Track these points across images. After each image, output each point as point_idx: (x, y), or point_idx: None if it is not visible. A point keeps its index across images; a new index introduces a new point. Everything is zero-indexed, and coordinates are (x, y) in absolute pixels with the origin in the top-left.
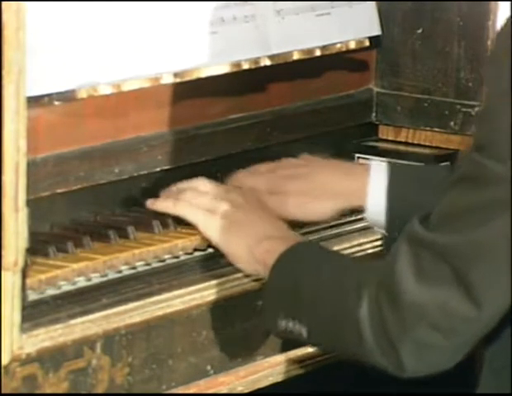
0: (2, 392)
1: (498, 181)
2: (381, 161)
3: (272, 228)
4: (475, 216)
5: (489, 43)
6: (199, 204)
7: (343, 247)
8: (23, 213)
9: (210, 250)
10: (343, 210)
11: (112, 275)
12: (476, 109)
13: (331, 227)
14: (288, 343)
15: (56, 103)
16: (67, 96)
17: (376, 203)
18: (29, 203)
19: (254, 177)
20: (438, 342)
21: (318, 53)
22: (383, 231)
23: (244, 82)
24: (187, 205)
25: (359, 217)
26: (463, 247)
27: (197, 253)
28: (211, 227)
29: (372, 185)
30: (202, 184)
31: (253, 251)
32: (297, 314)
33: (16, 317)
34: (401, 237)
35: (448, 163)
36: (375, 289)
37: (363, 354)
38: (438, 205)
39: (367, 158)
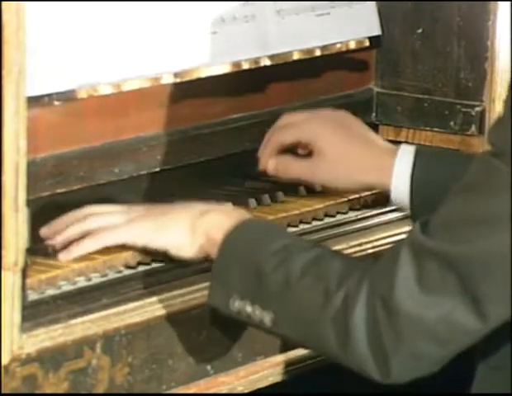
0: (2, 392)
1: None
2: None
3: (205, 205)
4: (486, 225)
5: (489, 43)
6: (114, 222)
7: (343, 247)
8: (23, 213)
9: None
10: (371, 186)
11: (112, 275)
12: (477, 109)
13: (331, 227)
14: (288, 343)
15: (56, 103)
16: (67, 96)
17: (400, 183)
18: (29, 203)
19: (291, 166)
20: (432, 352)
21: (318, 53)
22: (409, 213)
23: (244, 82)
24: (102, 233)
25: (359, 217)
26: (474, 257)
27: None
28: (138, 234)
29: (398, 165)
30: (97, 209)
31: (193, 231)
32: (259, 299)
33: (16, 317)
34: (400, 246)
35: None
36: (371, 297)
37: (348, 357)
38: (442, 211)
39: None
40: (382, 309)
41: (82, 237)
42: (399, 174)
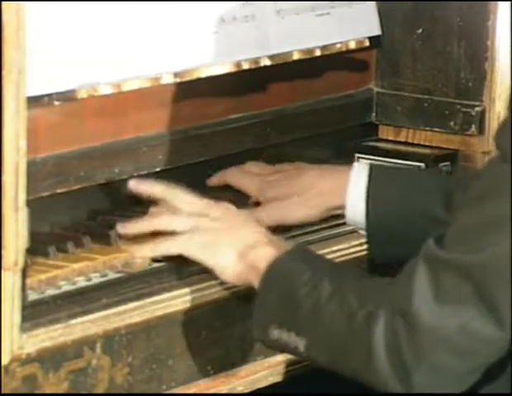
0: (2, 392)
1: None
2: (384, 162)
3: (259, 234)
4: (501, 230)
5: (489, 43)
6: (173, 229)
7: (343, 247)
8: (23, 213)
9: None
10: (328, 210)
11: (112, 275)
12: (477, 109)
13: (331, 227)
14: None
15: (56, 103)
16: (67, 96)
17: (355, 203)
18: (29, 203)
19: (244, 178)
20: (454, 366)
21: (318, 53)
22: (363, 231)
23: (244, 82)
24: (164, 242)
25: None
26: (488, 264)
27: None
28: (193, 249)
29: (351, 184)
30: (177, 199)
31: (242, 259)
32: (294, 326)
33: (16, 317)
34: (416, 260)
35: (446, 169)
36: (390, 314)
37: (371, 376)
38: (455, 223)
39: (367, 158)
40: (401, 324)
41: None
42: (353, 192)
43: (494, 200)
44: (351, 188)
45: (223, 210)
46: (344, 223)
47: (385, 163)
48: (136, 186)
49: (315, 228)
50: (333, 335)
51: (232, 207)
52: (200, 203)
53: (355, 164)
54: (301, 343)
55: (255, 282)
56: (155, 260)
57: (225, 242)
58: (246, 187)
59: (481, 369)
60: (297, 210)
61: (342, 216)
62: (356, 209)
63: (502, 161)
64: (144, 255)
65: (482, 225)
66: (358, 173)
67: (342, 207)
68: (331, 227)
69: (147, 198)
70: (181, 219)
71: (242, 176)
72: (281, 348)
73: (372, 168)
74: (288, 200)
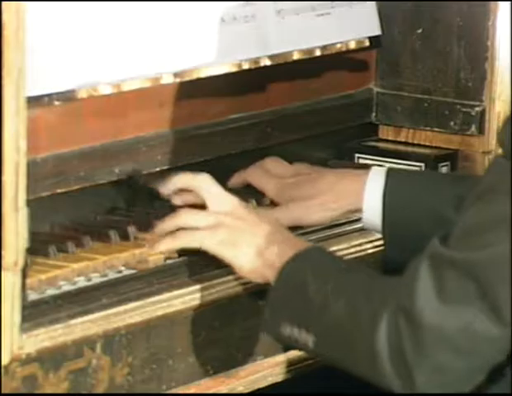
0: (2, 392)
1: None
2: (383, 162)
3: (278, 233)
4: (505, 228)
5: (489, 43)
6: (196, 225)
7: (343, 247)
8: (23, 213)
9: None
10: (345, 213)
11: (112, 275)
12: (476, 109)
13: (330, 227)
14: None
15: (56, 103)
16: (67, 96)
17: (372, 206)
18: (29, 203)
19: (264, 179)
20: (456, 365)
21: (318, 53)
22: (380, 234)
23: (244, 82)
24: (184, 234)
25: (359, 217)
26: (491, 263)
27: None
28: (213, 244)
29: (368, 188)
30: (207, 193)
31: (261, 256)
32: (305, 322)
33: (16, 317)
34: (420, 259)
35: (446, 169)
36: (394, 312)
37: (375, 375)
38: (459, 222)
39: (367, 158)
40: (404, 323)
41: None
42: (370, 195)
43: (497, 198)
44: (368, 191)
45: (245, 209)
46: (344, 223)
47: (385, 163)
48: (170, 187)
49: (316, 228)
50: (339, 332)
51: (251, 206)
52: (226, 199)
53: (373, 168)
54: (310, 340)
55: (271, 279)
56: (170, 256)
57: (246, 240)
58: (265, 188)
59: (484, 369)
60: (315, 213)
61: (358, 219)
62: (373, 212)
63: (505, 158)
64: (164, 248)
65: (486, 224)
66: (375, 177)
67: (359, 210)
68: (331, 227)
69: (147, 197)
70: (205, 217)
71: (262, 176)
72: (291, 344)
73: (388, 172)
74: (306, 202)
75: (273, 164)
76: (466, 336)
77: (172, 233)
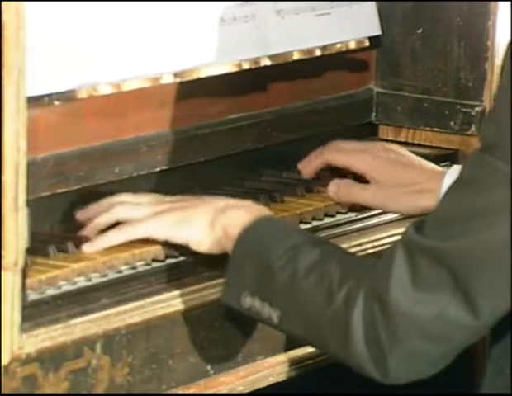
0: (2, 392)
1: (506, 182)
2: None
3: (229, 200)
4: (480, 220)
5: (489, 43)
6: (139, 215)
7: (343, 247)
8: (23, 213)
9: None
10: (421, 209)
11: (112, 275)
12: (476, 109)
13: (330, 227)
14: (288, 343)
15: (56, 103)
16: (67, 96)
17: None
18: (29, 203)
19: (353, 155)
20: (428, 351)
21: (318, 53)
22: None
23: (244, 82)
24: (126, 227)
25: (359, 217)
26: (466, 253)
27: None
28: (162, 228)
29: (444, 188)
30: (126, 198)
31: (214, 226)
32: (267, 296)
33: (16, 317)
34: (396, 245)
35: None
36: (369, 297)
37: (348, 355)
38: (435, 210)
39: None
40: (379, 309)
41: (108, 228)
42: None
43: (473, 190)
44: (443, 192)
45: (181, 196)
46: (344, 223)
47: None
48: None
49: (316, 228)
50: (309, 310)
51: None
52: (151, 196)
53: (454, 166)
54: (274, 314)
55: (229, 247)
56: (170, 256)
57: (193, 213)
58: (355, 163)
59: (454, 353)
60: (400, 202)
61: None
62: None
63: (482, 151)
64: (107, 245)
65: (460, 214)
66: (451, 177)
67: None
68: (331, 227)
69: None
70: (143, 207)
71: (347, 154)
72: (253, 316)
73: None
74: (395, 189)
75: (345, 143)
76: (439, 323)
77: (110, 228)
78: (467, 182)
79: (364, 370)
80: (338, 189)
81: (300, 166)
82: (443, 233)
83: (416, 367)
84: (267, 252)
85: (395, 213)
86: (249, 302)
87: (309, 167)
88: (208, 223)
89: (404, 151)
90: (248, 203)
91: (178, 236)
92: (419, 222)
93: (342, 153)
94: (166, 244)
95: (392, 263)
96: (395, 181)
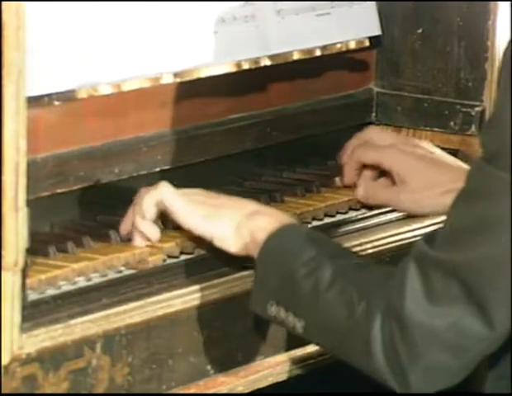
0: (2, 392)
1: (508, 192)
2: None
3: (258, 206)
4: (487, 231)
5: (489, 43)
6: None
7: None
8: (23, 213)
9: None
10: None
11: (112, 275)
12: (476, 109)
13: (330, 227)
14: (288, 343)
15: (56, 103)
16: (67, 96)
17: None
18: (29, 203)
19: (385, 153)
20: (447, 362)
21: (318, 53)
22: None
23: (244, 82)
24: (165, 201)
25: (359, 217)
26: (476, 264)
27: (198, 253)
28: (189, 217)
29: None
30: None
31: (240, 229)
32: (292, 306)
33: (16, 317)
34: (408, 259)
35: None
36: (386, 313)
37: (370, 369)
38: (445, 222)
39: None
40: (396, 323)
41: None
42: None
43: (478, 201)
44: None
45: (215, 193)
46: (344, 224)
47: None
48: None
49: (315, 228)
50: (332, 322)
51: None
52: (184, 189)
53: None
54: (299, 324)
55: (254, 253)
56: (170, 256)
57: (225, 213)
58: (385, 162)
59: (472, 364)
60: (427, 206)
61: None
62: None
63: (484, 160)
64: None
65: (468, 226)
66: None
67: None
68: (331, 227)
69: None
70: (174, 195)
71: (377, 150)
72: (279, 325)
73: None
74: (422, 192)
75: (375, 134)
76: (455, 334)
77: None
78: (473, 193)
79: (387, 383)
80: (365, 193)
81: (341, 181)
82: (453, 246)
83: (436, 379)
84: (289, 260)
85: (422, 214)
86: (275, 311)
87: (348, 176)
88: (236, 224)
89: (432, 147)
90: (274, 210)
91: (205, 228)
92: (429, 235)
93: (371, 149)
94: (167, 243)
95: (405, 278)
96: (420, 180)
